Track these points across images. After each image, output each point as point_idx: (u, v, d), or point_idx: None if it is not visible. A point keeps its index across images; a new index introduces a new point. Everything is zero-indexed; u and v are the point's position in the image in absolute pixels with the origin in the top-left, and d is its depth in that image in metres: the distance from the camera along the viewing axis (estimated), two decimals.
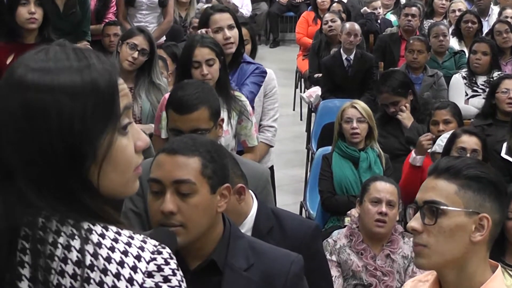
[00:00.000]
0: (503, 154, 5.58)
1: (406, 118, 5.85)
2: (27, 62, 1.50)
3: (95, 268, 1.46)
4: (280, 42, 14.03)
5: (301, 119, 9.63)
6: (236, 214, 2.73)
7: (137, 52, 5.04)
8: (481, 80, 7.07)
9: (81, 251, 1.46)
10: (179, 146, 2.33)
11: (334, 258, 4.19)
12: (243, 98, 4.15)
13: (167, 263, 1.52)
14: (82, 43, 6.23)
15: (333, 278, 4.06)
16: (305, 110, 9.21)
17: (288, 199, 6.32)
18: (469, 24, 8.28)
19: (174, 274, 1.51)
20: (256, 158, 4.14)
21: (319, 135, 6.54)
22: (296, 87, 10.26)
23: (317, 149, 6.13)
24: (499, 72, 7.04)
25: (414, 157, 5.18)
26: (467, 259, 2.12)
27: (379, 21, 9.41)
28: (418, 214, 2.14)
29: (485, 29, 8.74)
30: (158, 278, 1.49)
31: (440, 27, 7.91)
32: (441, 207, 2.10)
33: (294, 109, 9.93)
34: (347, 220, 4.77)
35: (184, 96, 3.28)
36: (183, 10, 8.86)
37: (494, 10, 9.60)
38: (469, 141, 4.73)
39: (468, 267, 2.13)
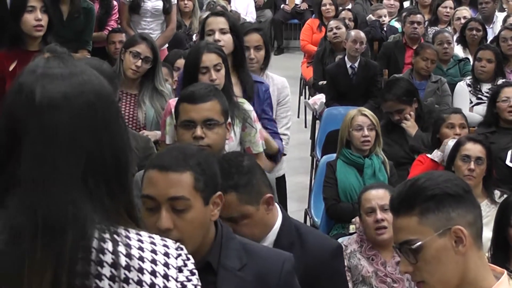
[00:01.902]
0: (508, 162, 5.58)
1: (411, 126, 5.84)
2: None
3: (132, 268, 1.51)
4: (285, 50, 14.05)
5: (305, 127, 9.63)
6: (262, 225, 2.77)
7: (140, 60, 5.05)
8: (485, 87, 7.06)
9: (115, 252, 1.50)
10: (170, 162, 2.33)
11: (344, 263, 4.19)
12: (247, 105, 4.14)
13: (188, 259, 1.61)
14: (83, 52, 6.25)
15: None
16: (309, 118, 9.21)
17: (293, 207, 6.30)
18: (474, 32, 8.27)
19: (195, 268, 1.60)
20: (262, 165, 4.14)
21: (323, 142, 6.54)
22: (300, 94, 10.26)
23: (321, 157, 6.13)
24: (504, 80, 7.04)
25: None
26: (464, 270, 2.12)
27: (385, 28, 9.42)
28: (402, 256, 2.14)
29: (490, 37, 8.74)
30: (186, 272, 1.57)
31: (445, 34, 7.91)
32: (414, 245, 2.09)
33: (298, 117, 9.93)
34: (352, 227, 4.77)
35: (197, 90, 3.41)
36: (187, 19, 8.91)
37: (499, 17, 9.60)
38: (474, 149, 4.73)
39: (468, 276, 2.13)
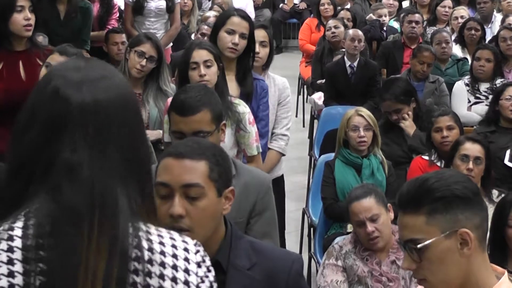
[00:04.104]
0: (506, 162, 5.58)
1: (409, 126, 5.84)
2: None
3: (154, 262, 1.54)
4: (283, 49, 14.05)
5: (303, 126, 9.63)
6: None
7: (145, 60, 5.05)
8: (484, 87, 7.07)
9: (139, 247, 1.53)
10: (186, 150, 2.35)
11: (339, 263, 4.19)
12: (242, 107, 4.10)
13: (205, 255, 1.64)
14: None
15: (338, 283, 4.08)
16: (307, 117, 9.21)
17: (291, 206, 6.30)
18: (472, 31, 8.27)
19: (211, 265, 1.63)
20: (258, 167, 4.12)
21: (321, 142, 6.53)
22: (298, 93, 10.26)
23: (319, 156, 6.12)
24: (502, 79, 7.04)
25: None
26: (467, 272, 2.12)
27: (384, 28, 9.41)
28: (406, 253, 2.13)
29: (488, 36, 8.73)
30: (204, 268, 1.60)
31: (443, 34, 7.90)
32: (419, 245, 2.09)
33: (296, 116, 9.93)
34: (349, 226, 4.77)
35: (187, 99, 3.29)
36: (185, 18, 8.91)
37: (497, 17, 9.60)
38: (472, 149, 4.73)
39: (471, 278, 2.13)
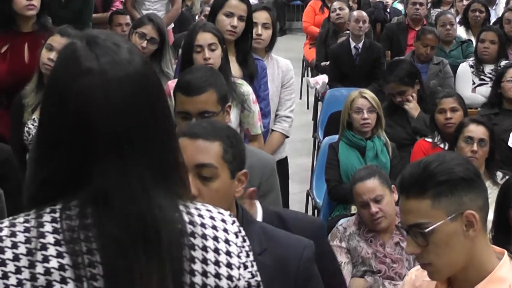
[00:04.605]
0: (510, 143, 5.58)
1: (413, 108, 5.84)
2: None
3: (196, 235, 1.54)
4: (287, 31, 14.03)
5: (307, 108, 9.62)
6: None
7: (146, 41, 5.05)
8: (488, 68, 7.06)
9: (181, 220, 1.53)
10: (200, 131, 2.35)
11: (343, 244, 4.20)
12: (245, 87, 4.12)
13: (240, 225, 1.63)
14: None
15: (342, 264, 4.08)
16: (311, 99, 9.20)
17: (295, 188, 6.32)
18: (477, 13, 8.25)
19: (245, 235, 1.63)
20: (261, 146, 4.13)
21: (325, 124, 6.54)
22: (303, 76, 10.25)
23: (323, 138, 6.12)
24: (506, 61, 7.03)
25: None
26: (471, 254, 2.13)
27: (388, 10, 9.39)
28: (410, 238, 2.13)
29: (493, 18, 8.72)
30: (240, 238, 1.60)
31: (447, 16, 7.89)
32: (426, 229, 2.09)
33: (300, 98, 9.92)
34: (353, 208, 4.77)
35: (193, 79, 3.31)
36: (188, 0, 8.88)
37: None
38: (476, 130, 4.72)
39: (474, 259, 2.14)
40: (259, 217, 2.80)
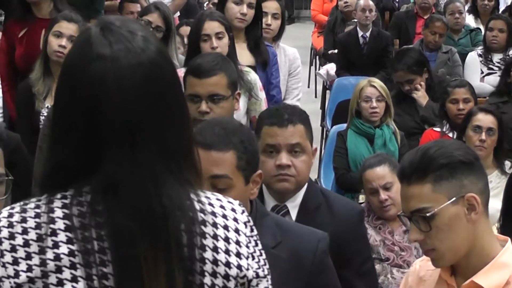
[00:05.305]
0: None
1: (422, 96, 5.83)
2: None
3: (207, 223, 1.54)
4: (295, 19, 14.00)
5: (315, 96, 9.62)
6: None
7: (151, 30, 5.04)
8: (497, 57, 7.04)
9: (192, 209, 1.53)
10: (213, 140, 2.29)
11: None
12: (252, 75, 4.12)
13: (248, 215, 1.63)
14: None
15: None
16: (319, 87, 9.20)
17: None
18: (486, 2, 8.23)
19: (253, 224, 1.63)
20: None
21: (333, 112, 6.53)
22: (311, 64, 10.23)
23: (331, 126, 6.13)
24: None
25: None
26: (474, 238, 2.14)
27: None
28: (413, 225, 2.14)
29: (502, 7, 8.69)
30: (249, 228, 1.60)
31: (456, 4, 7.86)
32: (428, 213, 2.09)
33: (308, 87, 9.92)
34: (361, 197, 4.77)
35: (204, 62, 3.36)
36: None
37: None
38: (485, 120, 4.71)
39: (476, 244, 2.15)
40: (305, 186, 2.82)
